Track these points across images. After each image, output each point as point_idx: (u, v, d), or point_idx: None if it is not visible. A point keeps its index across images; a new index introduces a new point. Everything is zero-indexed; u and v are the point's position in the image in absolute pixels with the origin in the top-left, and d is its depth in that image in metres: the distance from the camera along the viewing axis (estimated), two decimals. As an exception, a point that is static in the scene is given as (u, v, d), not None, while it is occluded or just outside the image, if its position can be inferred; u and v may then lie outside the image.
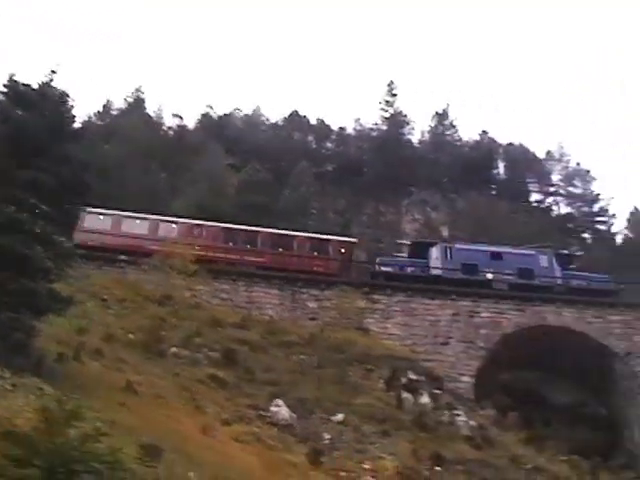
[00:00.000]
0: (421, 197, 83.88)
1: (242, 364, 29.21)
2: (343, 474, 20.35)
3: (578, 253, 52.02)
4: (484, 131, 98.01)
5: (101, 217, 45.18)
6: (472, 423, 29.40)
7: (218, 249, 45.09)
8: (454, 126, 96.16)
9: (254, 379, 28.10)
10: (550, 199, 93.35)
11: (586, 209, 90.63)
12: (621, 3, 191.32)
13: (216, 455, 17.34)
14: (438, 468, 22.32)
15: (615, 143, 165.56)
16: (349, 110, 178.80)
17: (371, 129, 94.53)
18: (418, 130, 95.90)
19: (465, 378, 39.67)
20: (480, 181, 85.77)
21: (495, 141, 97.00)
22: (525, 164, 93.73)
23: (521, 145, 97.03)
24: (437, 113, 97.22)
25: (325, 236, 48.58)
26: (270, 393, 26.31)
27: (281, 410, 24.65)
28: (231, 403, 24.64)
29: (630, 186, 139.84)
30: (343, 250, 47.22)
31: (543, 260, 47.29)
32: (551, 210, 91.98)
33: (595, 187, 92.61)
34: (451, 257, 46.77)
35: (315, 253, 46.30)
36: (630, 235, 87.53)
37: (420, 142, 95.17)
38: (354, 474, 20.61)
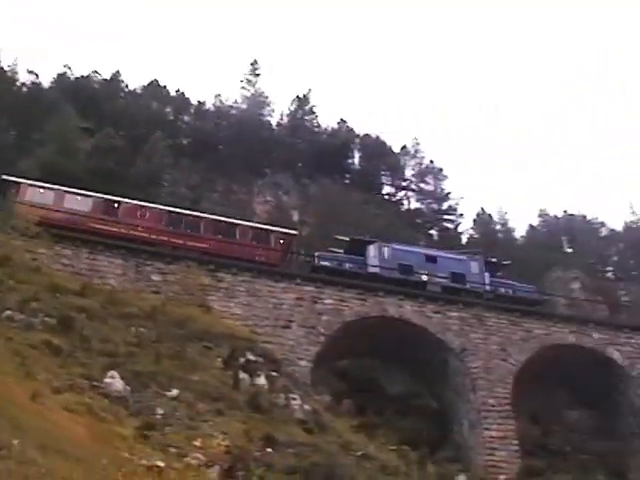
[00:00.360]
0: (274, 180, 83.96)
1: (79, 332, 28.45)
2: (172, 450, 20.09)
3: (505, 262, 53.59)
4: (342, 120, 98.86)
5: (41, 191, 44.25)
6: (307, 407, 29.51)
7: (161, 232, 44.77)
8: (314, 112, 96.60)
9: (90, 348, 27.39)
10: (401, 193, 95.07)
11: (435, 206, 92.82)
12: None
13: (44, 423, 16.81)
14: (269, 450, 22.29)
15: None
16: (210, 85, 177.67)
17: (231, 107, 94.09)
18: (278, 112, 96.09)
19: (303, 362, 39.93)
20: (334, 169, 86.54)
21: (353, 131, 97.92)
22: (380, 156, 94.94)
23: (378, 137, 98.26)
24: (298, 97, 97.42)
25: (267, 226, 49.36)
26: (105, 364, 25.69)
27: (115, 382, 24.12)
28: (64, 371, 23.94)
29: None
30: (282, 241, 47.57)
31: (474, 266, 49.09)
32: (402, 204, 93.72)
33: (446, 185, 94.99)
34: (388, 257, 47.46)
35: (255, 242, 46.48)
36: (475, 235, 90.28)
37: (278, 125, 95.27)
38: (183, 451, 20.37)
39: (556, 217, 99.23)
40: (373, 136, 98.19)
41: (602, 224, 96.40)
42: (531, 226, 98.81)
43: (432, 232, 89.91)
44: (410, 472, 27.92)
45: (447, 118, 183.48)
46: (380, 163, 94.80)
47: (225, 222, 48.08)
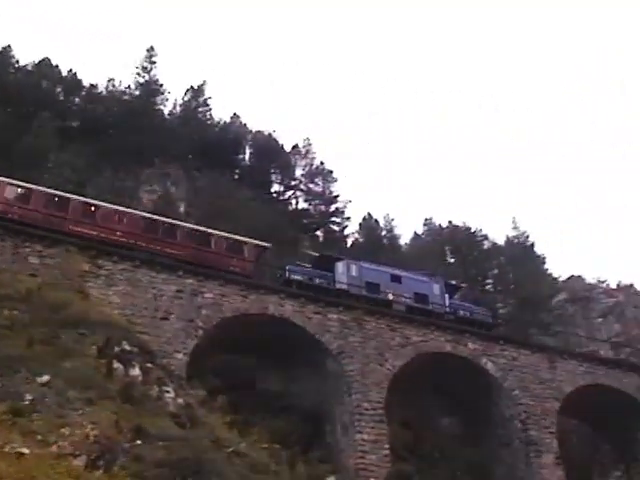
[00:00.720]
0: (163, 169, 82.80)
1: (-53, 313, 27.60)
2: (38, 437, 19.57)
3: (463, 285, 54.93)
4: (236, 114, 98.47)
5: (19, 190, 44.19)
6: (180, 401, 29.14)
7: (139, 237, 45.02)
8: (207, 104, 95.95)
9: (-42, 329, 26.63)
10: (290, 193, 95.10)
11: (323, 208, 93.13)
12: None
13: None
14: (139, 442, 21.91)
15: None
16: (103, 69, 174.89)
17: (123, 92, 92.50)
18: (171, 102, 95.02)
19: (180, 355, 39.52)
20: (224, 163, 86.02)
21: (245, 126, 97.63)
22: (271, 154, 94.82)
23: (270, 135, 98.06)
24: (192, 88, 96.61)
25: (241, 238, 49.07)
26: (-27, 346, 25.00)
27: (-17, 365, 23.47)
28: None
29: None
30: (254, 253, 48.26)
31: (436, 288, 51.03)
32: (289, 204, 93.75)
33: (335, 188, 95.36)
34: (356, 274, 48.67)
35: (229, 253, 47.23)
36: (360, 239, 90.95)
37: (170, 114, 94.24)
38: (49, 438, 19.86)
39: (440, 227, 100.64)
40: (265, 133, 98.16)
41: (485, 237, 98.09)
42: (416, 234, 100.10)
43: (318, 233, 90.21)
44: (280, 471, 27.86)
45: (340, 121, 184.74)
46: (270, 161, 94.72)
47: (201, 231, 48.89)
